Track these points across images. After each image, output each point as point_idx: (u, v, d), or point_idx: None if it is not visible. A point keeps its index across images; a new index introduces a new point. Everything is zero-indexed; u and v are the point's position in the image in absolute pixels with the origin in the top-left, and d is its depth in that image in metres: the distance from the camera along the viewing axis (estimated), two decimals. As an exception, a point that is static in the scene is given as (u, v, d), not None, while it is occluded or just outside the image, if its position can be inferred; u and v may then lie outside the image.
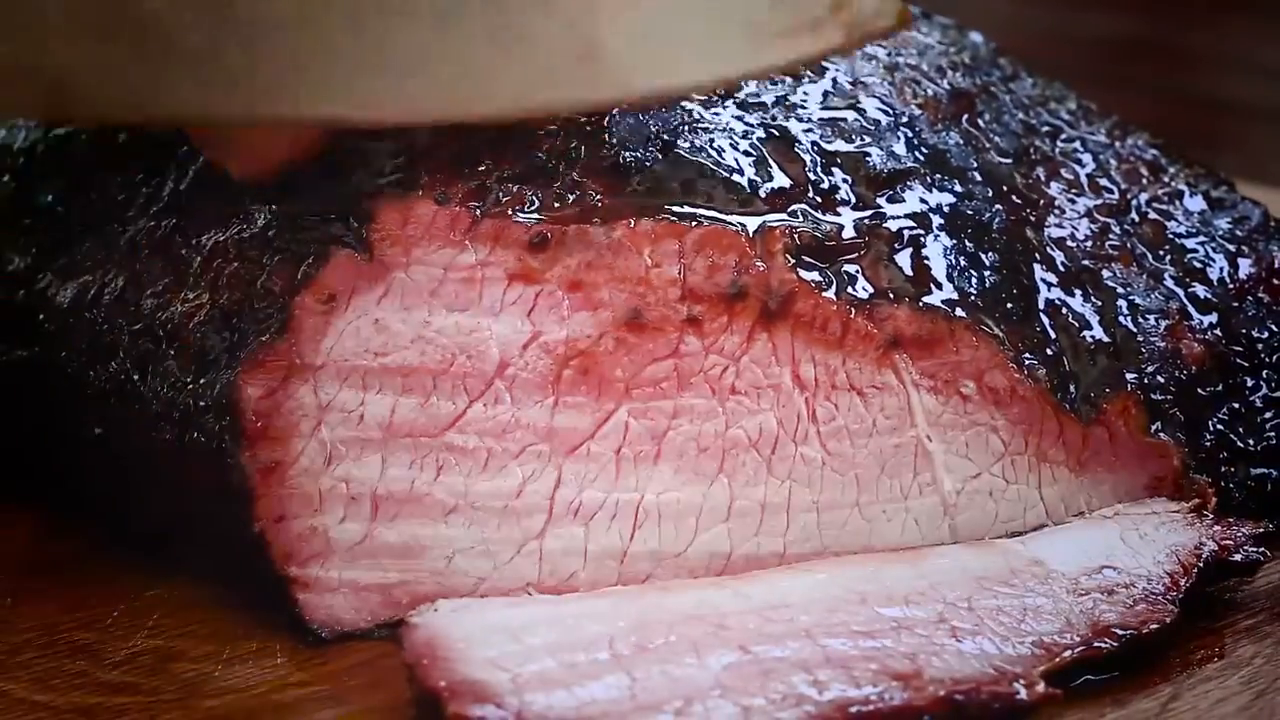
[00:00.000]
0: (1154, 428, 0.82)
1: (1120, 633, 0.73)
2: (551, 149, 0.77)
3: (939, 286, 0.79)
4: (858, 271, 0.78)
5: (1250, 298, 0.86)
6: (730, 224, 0.77)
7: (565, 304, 0.76)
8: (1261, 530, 0.79)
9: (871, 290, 0.78)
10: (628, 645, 0.71)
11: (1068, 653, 0.72)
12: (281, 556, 0.75)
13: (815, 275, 0.77)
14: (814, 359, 0.78)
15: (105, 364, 0.79)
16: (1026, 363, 0.80)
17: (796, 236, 0.77)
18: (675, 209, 0.76)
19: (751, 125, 0.80)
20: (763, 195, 0.78)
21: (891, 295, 0.78)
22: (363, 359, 0.75)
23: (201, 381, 0.75)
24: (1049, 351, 0.80)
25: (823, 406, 0.78)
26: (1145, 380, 0.82)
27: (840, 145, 0.81)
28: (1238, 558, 0.77)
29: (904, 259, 0.79)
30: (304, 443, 0.74)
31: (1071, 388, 0.80)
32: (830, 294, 0.77)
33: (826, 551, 0.79)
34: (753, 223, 0.77)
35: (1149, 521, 0.79)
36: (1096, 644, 0.73)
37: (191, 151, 0.80)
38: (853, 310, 0.78)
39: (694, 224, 0.76)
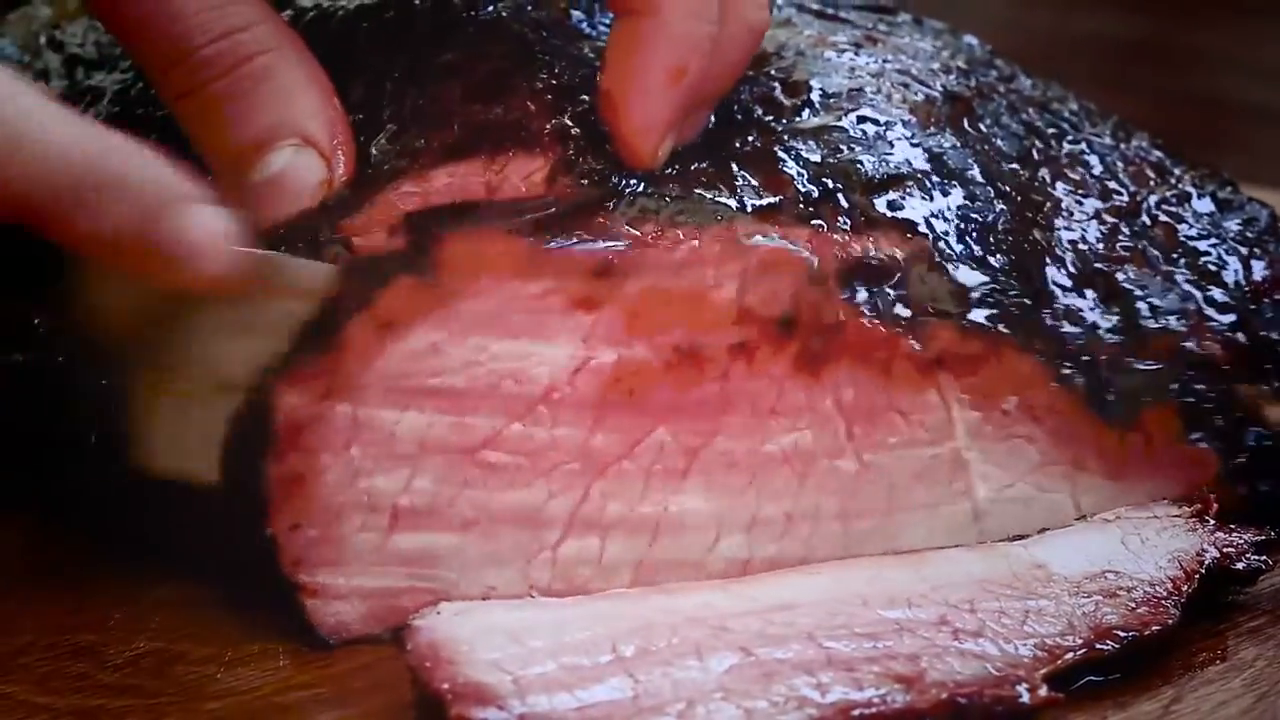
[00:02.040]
0: (1193, 436, 0.81)
1: (1122, 635, 0.73)
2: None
3: (975, 295, 0.79)
4: (902, 291, 0.78)
5: (1266, 300, 0.86)
6: (791, 246, 0.76)
7: (622, 329, 0.75)
8: (1264, 538, 0.78)
9: (915, 310, 0.78)
10: (630, 648, 0.70)
11: (1070, 655, 0.72)
12: (291, 563, 0.74)
13: (863, 297, 0.77)
14: (857, 382, 0.78)
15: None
16: (1064, 374, 0.79)
17: (845, 258, 0.77)
18: (740, 224, 0.76)
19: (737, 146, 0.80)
20: (750, 211, 0.78)
21: (935, 313, 0.78)
22: (409, 380, 0.74)
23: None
24: (1083, 357, 0.80)
25: (861, 426, 0.78)
26: (1183, 387, 0.81)
27: (828, 156, 0.80)
28: (1240, 565, 0.77)
29: (943, 275, 0.79)
30: (333, 458, 0.74)
31: (1108, 396, 0.80)
32: (877, 317, 0.77)
33: (850, 555, 0.78)
34: (810, 243, 0.77)
35: (1150, 526, 0.79)
36: (1099, 646, 0.73)
37: (194, 163, 0.79)
38: (899, 332, 0.77)
39: (757, 243, 0.76)
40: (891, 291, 0.78)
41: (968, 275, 0.79)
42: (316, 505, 0.74)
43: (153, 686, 0.73)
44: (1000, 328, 0.78)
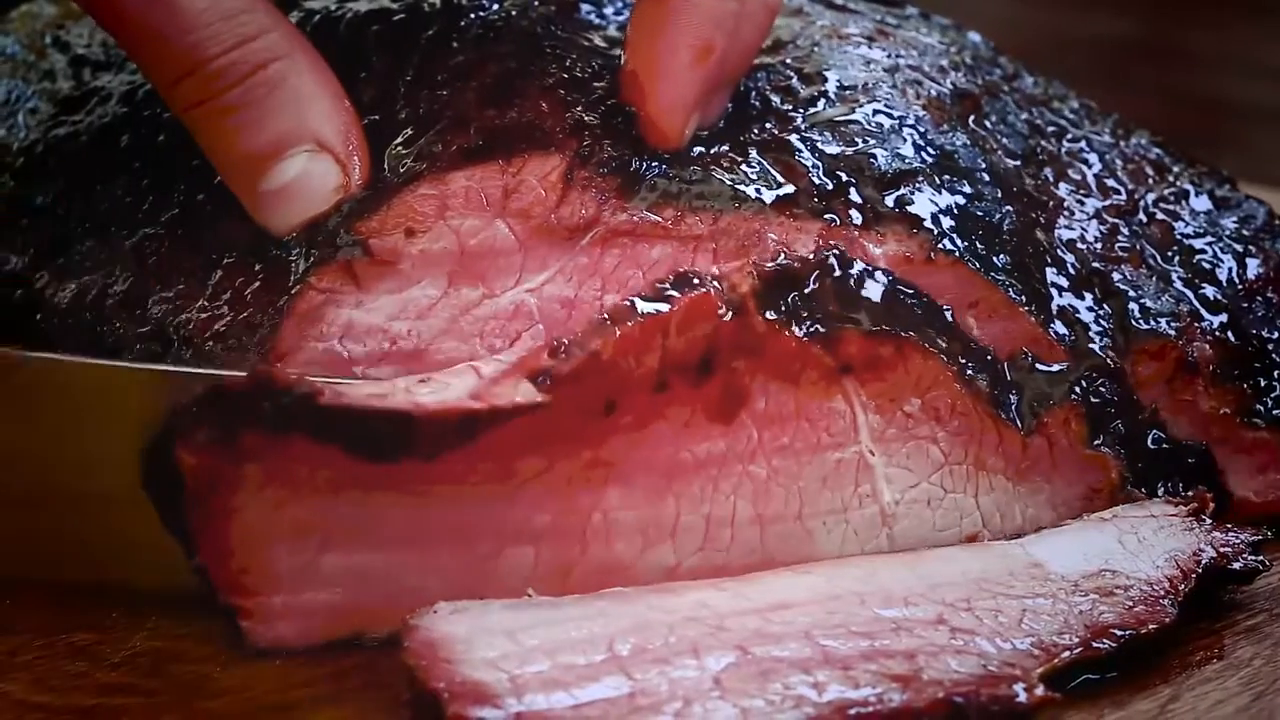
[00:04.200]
0: (1096, 441, 0.81)
1: (1119, 633, 0.73)
2: None
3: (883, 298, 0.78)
4: (814, 299, 0.77)
5: (1259, 297, 0.86)
6: (703, 286, 0.76)
7: (547, 415, 0.75)
8: (1260, 538, 0.79)
9: (825, 316, 0.77)
10: (626, 646, 0.71)
11: (1066, 654, 0.72)
12: (224, 587, 0.74)
13: (776, 310, 0.77)
14: (769, 393, 0.77)
15: None
16: (968, 375, 0.79)
17: (758, 273, 0.76)
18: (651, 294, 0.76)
19: (755, 133, 0.80)
20: (767, 203, 0.78)
21: (844, 320, 0.77)
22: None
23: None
24: (986, 358, 0.80)
25: (771, 431, 0.78)
26: (1087, 390, 0.81)
27: (844, 149, 0.80)
28: (1236, 565, 0.77)
29: (855, 281, 0.78)
30: (250, 494, 0.74)
31: (1013, 399, 0.80)
32: (789, 327, 0.77)
33: (770, 563, 0.78)
34: (724, 268, 0.77)
35: (1147, 525, 0.79)
36: (1095, 645, 0.73)
37: (204, 165, 0.79)
38: (808, 340, 0.77)
39: (672, 301, 0.75)
40: (804, 301, 0.77)
41: (875, 280, 0.78)
42: (241, 535, 0.74)
43: (150, 685, 0.73)
44: (907, 331, 0.78)
